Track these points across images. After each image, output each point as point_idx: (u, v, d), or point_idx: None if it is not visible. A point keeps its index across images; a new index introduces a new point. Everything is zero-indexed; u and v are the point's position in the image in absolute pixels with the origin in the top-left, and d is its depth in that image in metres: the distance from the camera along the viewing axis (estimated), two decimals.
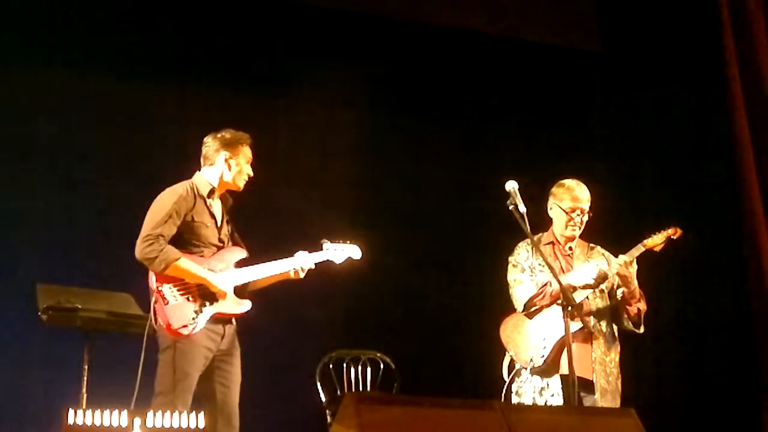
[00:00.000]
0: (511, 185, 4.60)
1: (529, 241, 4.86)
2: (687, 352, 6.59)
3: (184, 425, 3.40)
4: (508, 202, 4.57)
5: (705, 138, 6.71)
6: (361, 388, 5.76)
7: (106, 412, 3.30)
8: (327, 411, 5.55)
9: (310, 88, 6.62)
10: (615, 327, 4.93)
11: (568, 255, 4.98)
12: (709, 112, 6.66)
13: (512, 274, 4.96)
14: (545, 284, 4.81)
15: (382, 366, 5.85)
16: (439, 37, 6.89)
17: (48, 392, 5.38)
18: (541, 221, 4.99)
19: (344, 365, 5.79)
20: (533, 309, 4.87)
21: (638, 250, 4.79)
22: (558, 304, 4.70)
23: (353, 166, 6.85)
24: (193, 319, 4.36)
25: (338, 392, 5.71)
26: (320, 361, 5.74)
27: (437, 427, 3.46)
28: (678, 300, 6.49)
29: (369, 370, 5.82)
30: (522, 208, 4.55)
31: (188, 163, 4.82)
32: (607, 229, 5.24)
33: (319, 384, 5.65)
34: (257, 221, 5.01)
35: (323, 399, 5.62)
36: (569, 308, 4.50)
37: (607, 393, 4.75)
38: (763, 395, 6.20)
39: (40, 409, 5.30)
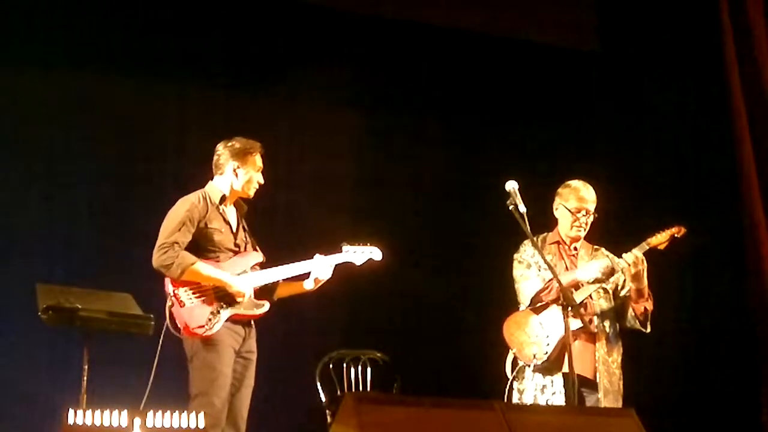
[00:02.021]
0: (511, 185, 4.60)
1: (530, 240, 4.87)
2: (687, 352, 6.58)
3: (183, 425, 3.40)
4: (508, 202, 4.57)
5: (705, 138, 6.70)
6: (361, 388, 5.76)
7: (106, 412, 3.30)
8: (327, 411, 5.55)
9: (310, 88, 6.62)
10: (618, 328, 4.93)
11: (573, 255, 4.99)
12: (709, 112, 6.66)
13: (518, 270, 4.98)
14: (552, 279, 4.81)
15: (382, 366, 5.85)
16: (438, 37, 6.89)
17: (48, 392, 5.37)
18: (540, 221, 4.99)
19: (344, 365, 5.79)
20: (539, 304, 4.88)
21: (642, 248, 4.80)
22: (558, 304, 4.71)
23: (353, 166, 6.85)
24: (210, 320, 4.42)
25: (338, 392, 5.71)
26: (320, 361, 5.74)
27: (437, 427, 3.46)
28: (678, 299, 6.48)
29: (369, 370, 5.82)
30: (522, 208, 4.55)
31: (188, 163, 4.82)
32: (606, 229, 5.24)
33: (319, 384, 5.65)
34: (256, 221, 5.00)
35: (323, 399, 5.62)
36: (569, 308, 4.51)
37: (609, 393, 4.77)
38: (764, 395, 6.20)
39: (40, 409, 5.30)
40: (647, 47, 6.94)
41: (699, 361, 6.52)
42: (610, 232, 5.29)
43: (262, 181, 4.75)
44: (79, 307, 4.75)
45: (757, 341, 6.29)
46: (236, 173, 4.69)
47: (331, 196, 6.61)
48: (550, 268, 4.62)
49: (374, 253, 4.95)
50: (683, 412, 6.33)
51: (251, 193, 4.75)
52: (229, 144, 4.72)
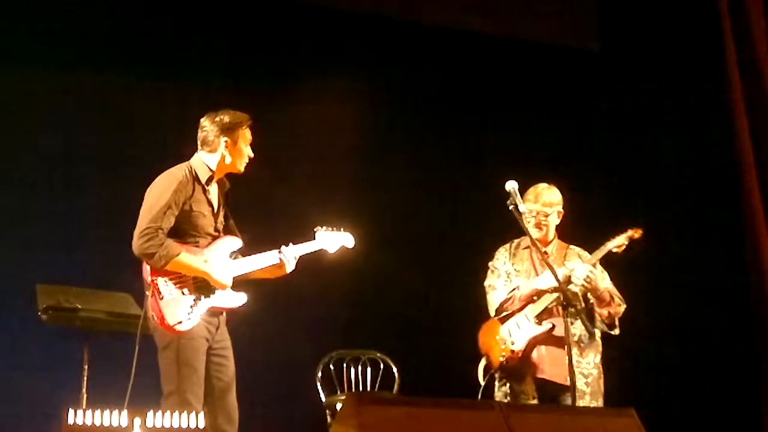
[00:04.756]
0: (511, 185, 4.61)
1: (507, 246, 4.98)
2: (687, 351, 6.59)
3: (184, 425, 3.40)
4: (508, 202, 4.58)
5: (705, 138, 6.71)
6: (361, 388, 5.76)
7: (106, 412, 3.29)
8: (327, 411, 5.55)
9: (311, 88, 6.62)
10: (593, 328, 4.91)
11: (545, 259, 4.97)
12: (709, 113, 6.66)
13: (488, 280, 5.05)
14: (513, 289, 4.86)
15: (382, 366, 5.86)
16: (438, 37, 6.89)
17: (48, 392, 5.37)
18: None
19: (344, 365, 5.79)
20: (504, 314, 4.90)
21: (601, 251, 4.82)
22: (559, 305, 4.70)
23: (353, 165, 6.85)
24: (189, 314, 4.23)
25: (338, 392, 5.71)
26: (320, 361, 5.74)
27: (437, 427, 3.46)
28: (678, 299, 6.49)
29: (369, 370, 5.82)
30: (522, 208, 4.57)
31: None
32: (605, 229, 5.24)
33: (319, 384, 5.66)
34: (257, 220, 4.98)
35: (323, 399, 5.62)
36: (569, 309, 4.51)
37: (585, 395, 4.72)
38: (763, 395, 6.20)
39: (40, 409, 5.30)
40: (647, 47, 6.95)
41: (699, 360, 6.53)
42: (608, 232, 5.29)
43: (252, 155, 4.52)
44: (79, 307, 4.76)
45: (757, 341, 6.29)
46: (227, 148, 4.44)
47: (330, 196, 6.60)
48: (546, 266, 4.63)
49: (347, 240, 4.77)
50: (683, 411, 6.33)
51: (242, 168, 4.51)
52: (217, 118, 4.45)
